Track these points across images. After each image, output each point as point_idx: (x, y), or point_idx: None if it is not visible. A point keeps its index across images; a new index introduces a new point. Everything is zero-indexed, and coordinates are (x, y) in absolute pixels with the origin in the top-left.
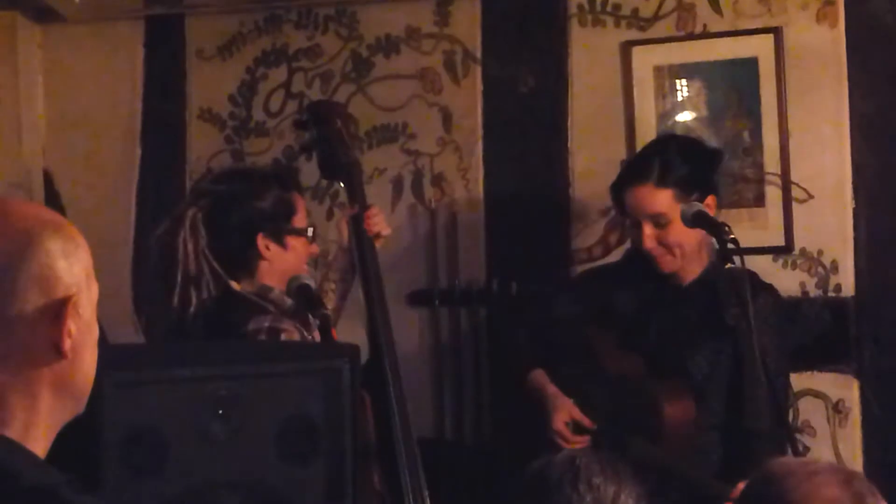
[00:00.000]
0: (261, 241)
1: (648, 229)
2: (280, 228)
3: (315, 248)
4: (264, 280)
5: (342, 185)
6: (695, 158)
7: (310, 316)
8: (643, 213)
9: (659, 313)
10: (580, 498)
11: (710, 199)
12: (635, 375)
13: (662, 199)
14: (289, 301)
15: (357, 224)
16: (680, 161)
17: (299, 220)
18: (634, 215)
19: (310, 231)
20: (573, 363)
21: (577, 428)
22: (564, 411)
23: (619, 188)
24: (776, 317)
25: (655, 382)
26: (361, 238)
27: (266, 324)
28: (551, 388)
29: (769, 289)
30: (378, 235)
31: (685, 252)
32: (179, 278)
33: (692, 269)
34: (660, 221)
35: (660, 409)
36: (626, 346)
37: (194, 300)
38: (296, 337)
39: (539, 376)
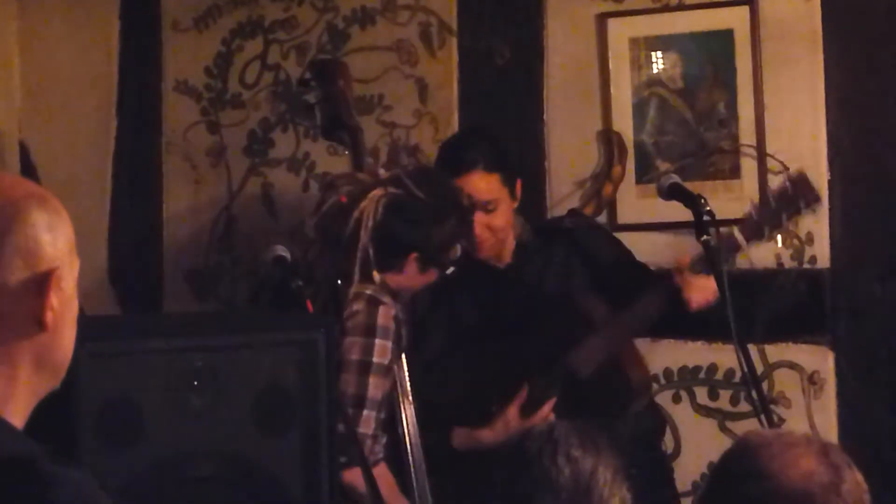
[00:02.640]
0: (410, 259)
1: (478, 217)
2: (433, 259)
3: (429, 279)
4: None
5: (345, 146)
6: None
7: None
8: (474, 198)
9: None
10: (559, 471)
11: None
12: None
13: (493, 185)
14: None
15: None
16: (498, 145)
17: (452, 254)
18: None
19: (450, 270)
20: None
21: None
22: (505, 422)
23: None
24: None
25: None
26: None
27: (370, 293)
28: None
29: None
30: None
31: (506, 235)
32: (360, 246)
33: (507, 251)
34: (488, 208)
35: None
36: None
37: (357, 272)
38: (392, 314)
39: (460, 436)
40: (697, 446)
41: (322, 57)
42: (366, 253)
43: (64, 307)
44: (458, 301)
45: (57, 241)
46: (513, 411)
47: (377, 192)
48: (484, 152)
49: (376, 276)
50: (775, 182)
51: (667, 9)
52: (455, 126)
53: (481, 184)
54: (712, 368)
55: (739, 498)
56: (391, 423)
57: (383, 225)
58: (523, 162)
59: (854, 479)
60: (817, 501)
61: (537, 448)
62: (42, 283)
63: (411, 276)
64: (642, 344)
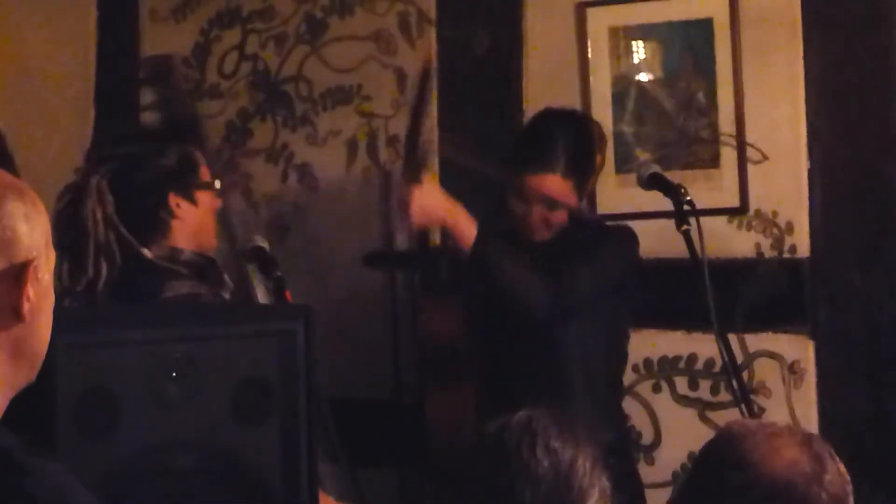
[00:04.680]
0: (172, 199)
1: (537, 218)
2: (188, 184)
3: (219, 202)
4: (176, 242)
5: (192, 142)
6: (589, 142)
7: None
8: (540, 198)
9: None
10: (538, 462)
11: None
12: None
13: (564, 188)
14: (201, 261)
15: None
16: (581, 147)
17: (204, 174)
18: (528, 197)
19: (217, 183)
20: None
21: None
22: None
23: (516, 168)
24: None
25: None
26: None
27: (184, 290)
28: None
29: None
30: None
31: (558, 227)
32: (91, 248)
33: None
34: (552, 206)
35: None
36: None
37: (105, 271)
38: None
39: None
40: (677, 436)
41: (153, 55)
42: (109, 244)
43: (40, 298)
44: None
45: (34, 231)
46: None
47: (93, 180)
48: (568, 154)
49: (147, 252)
50: (755, 171)
51: None
52: (434, 116)
53: (554, 186)
54: (692, 358)
55: (722, 488)
56: None
57: (122, 201)
58: (502, 151)
59: (836, 470)
60: (800, 491)
61: (516, 440)
62: (19, 273)
63: (193, 214)
64: None
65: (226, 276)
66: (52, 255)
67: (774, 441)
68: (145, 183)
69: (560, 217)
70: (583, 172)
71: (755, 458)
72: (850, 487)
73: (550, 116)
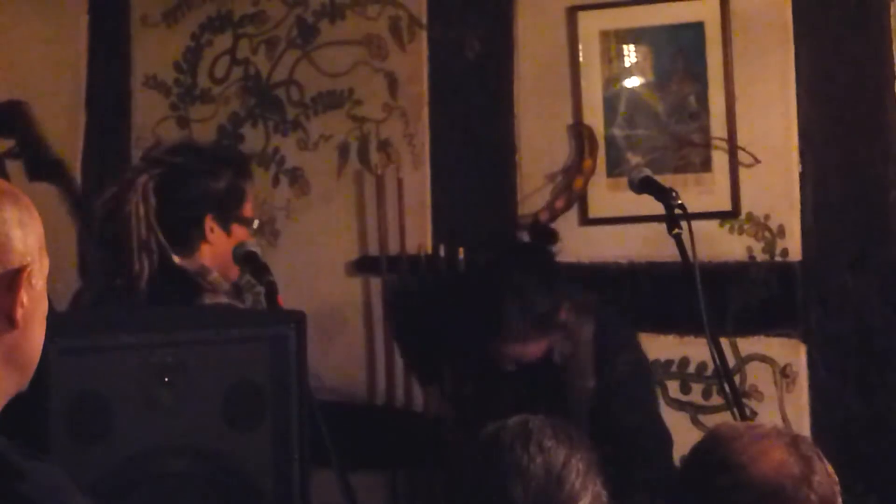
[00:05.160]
0: (208, 221)
1: (509, 363)
2: (229, 214)
3: (253, 245)
4: (203, 261)
5: (55, 183)
6: (549, 296)
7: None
8: (508, 360)
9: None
10: (531, 459)
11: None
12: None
13: (540, 342)
14: (226, 285)
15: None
16: (539, 303)
17: (248, 210)
18: (509, 361)
19: (255, 223)
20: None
21: None
22: None
23: (485, 340)
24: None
25: None
26: None
27: (225, 300)
28: None
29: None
30: None
31: None
32: (135, 244)
33: None
34: (530, 355)
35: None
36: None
37: (147, 268)
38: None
39: None
40: None
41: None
42: (149, 243)
43: (34, 305)
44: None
45: (28, 238)
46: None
47: (141, 179)
48: (529, 319)
49: (177, 259)
50: (746, 175)
51: (637, 2)
52: (425, 120)
53: (529, 350)
54: (684, 362)
55: (711, 490)
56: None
57: (163, 207)
58: (493, 155)
59: (824, 471)
60: (788, 493)
61: (510, 438)
62: (13, 279)
63: (224, 243)
64: None
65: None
66: (46, 261)
67: (762, 443)
68: (189, 197)
69: (538, 354)
70: (550, 323)
71: (743, 461)
72: (838, 488)
73: (497, 283)
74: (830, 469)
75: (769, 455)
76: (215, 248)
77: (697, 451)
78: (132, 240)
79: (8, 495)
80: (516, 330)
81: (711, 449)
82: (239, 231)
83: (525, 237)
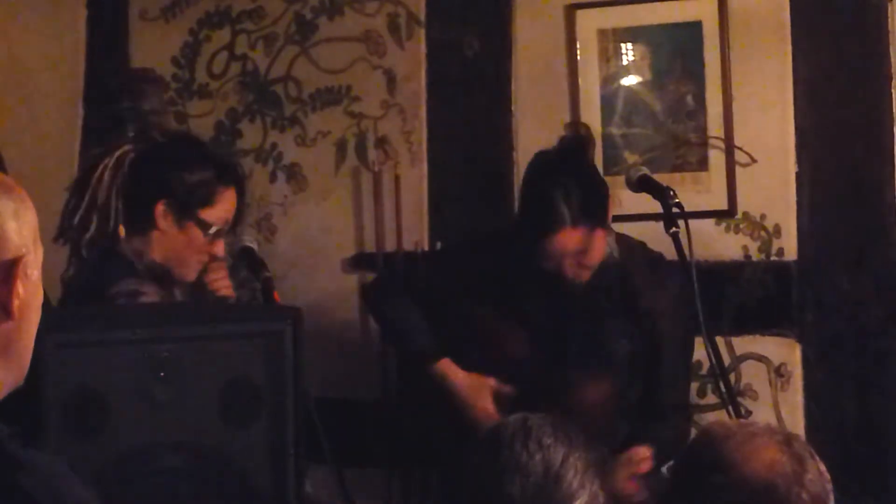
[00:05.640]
0: (160, 207)
1: (570, 265)
2: (186, 209)
3: (216, 251)
4: (153, 251)
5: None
6: (590, 177)
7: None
8: (566, 253)
9: (564, 302)
10: (529, 456)
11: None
12: (539, 359)
13: (583, 235)
14: (160, 268)
15: None
16: (583, 189)
17: (209, 215)
18: (551, 256)
19: (212, 229)
20: (468, 347)
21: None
22: (486, 391)
23: (532, 236)
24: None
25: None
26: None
27: (127, 287)
28: (461, 376)
29: (662, 259)
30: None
31: (595, 265)
32: (86, 200)
33: None
34: (581, 252)
35: (576, 390)
36: (537, 337)
37: (93, 229)
38: (150, 292)
39: (444, 367)
40: None
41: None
42: (106, 208)
43: (30, 296)
44: (522, 304)
45: (23, 228)
46: (493, 385)
47: (122, 149)
48: (572, 205)
49: (122, 231)
50: (743, 174)
51: (635, 0)
52: (423, 118)
53: (572, 240)
54: None
55: (704, 489)
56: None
57: (129, 179)
58: (491, 153)
59: (817, 470)
60: (780, 491)
61: (510, 435)
62: (9, 271)
63: (170, 235)
64: None
65: (177, 292)
66: (40, 250)
67: (754, 441)
68: (152, 177)
69: (596, 256)
70: (595, 207)
71: (736, 459)
72: (830, 486)
73: (540, 171)
74: (823, 468)
75: (761, 454)
76: (166, 240)
77: (690, 449)
78: (84, 195)
79: (8, 485)
80: (562, 213)
81: (704, 447)
82: (193, 231)
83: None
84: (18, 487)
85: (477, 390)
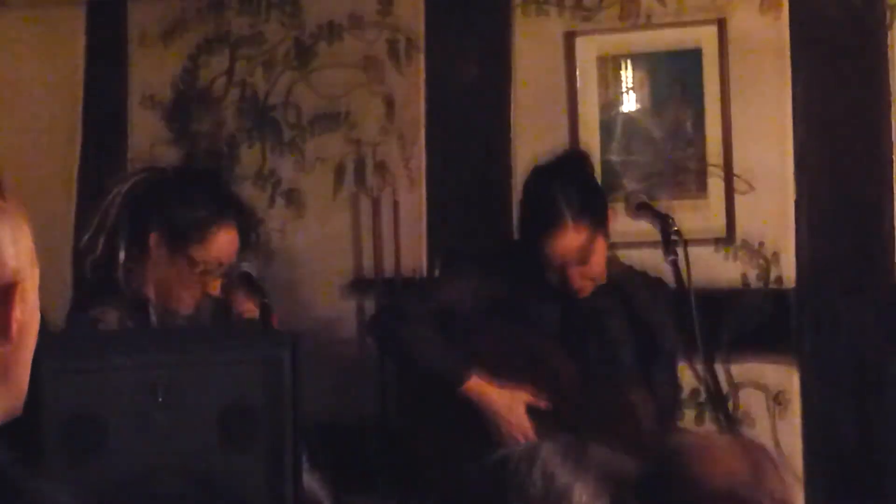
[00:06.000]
0: (154, 237)
1: (574, 274)
2: (176, 243)
3: (210, 289)
4: (150, 280)
5: None
6: (588, 178)
7: None
8: (569, 256)
9: (581, 317)
10: (532, 483)
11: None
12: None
13: (585, 236)
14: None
15: None
16: (582, 189)
17: (199, 252)
18: (555, 261)
19: (200, 266)
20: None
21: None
22: (520, 405)
23: (533, 237)
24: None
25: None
26: None
27: (92, 313)
28: (495, 392)
29: (660, 282)
30: None
31: (603, 275)
32: (94, 224)
33: None
34: (583, 258)
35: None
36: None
37: (99, 250)
38: (112, 327)
39: (476, 384)
40: None
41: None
42: (113, 233)
43: (27, 318)
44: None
45: (20, 253)
46: (527, 399)
47: (138, 176)
48: (572, 203)
49: (121, 257)
50: (742, 201)
51: (635, 27)
52: (422, 143)
53: (571, 240)
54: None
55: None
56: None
57: (131, 207)
58: (489, 178)
59: (778, 478)
60: (742, 499)
61: (517, 462)
62: (6, 295)
63: (162, 266)
64: None
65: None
66: (37, 271)
67: (713, 452)
68: (149, 206)
69: (598, 266)
70: (595, 210)
71: (695, 473)
72: (792, 494)
73: (541, 174)
74: (787, 477)
75: (720, 465)
76: (159, 271)
77: (651, 467)
78: (98, 223)
79: None
80: (563, 210)
81: (664, 461)
82: (182, 265)
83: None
84: None
85: (512, 404)
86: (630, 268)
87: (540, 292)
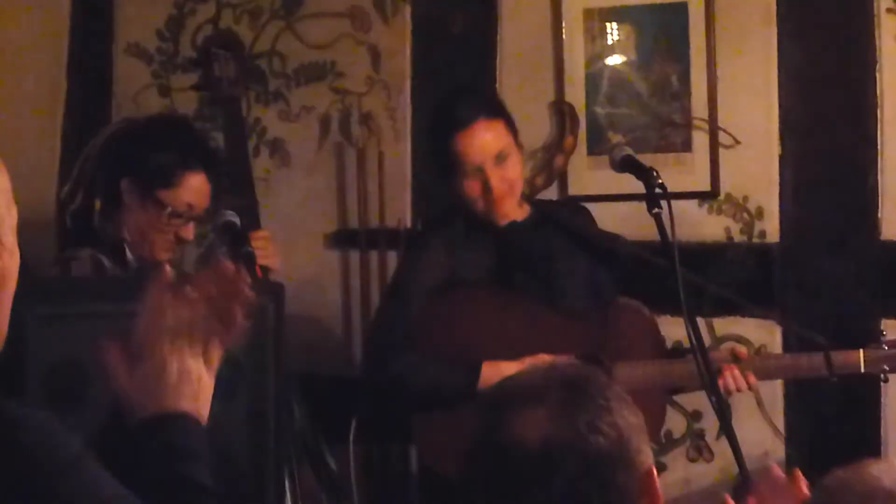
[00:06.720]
0: (125, 184)
1: (493, 171)
2: (147, 187)
3: (183, 234)
4: (126, 227)
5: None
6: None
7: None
8: (487, 153)
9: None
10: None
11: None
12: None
13: (499, 132)
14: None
15: None
16: (494, 94)
17: (168, 196)
18: (474, 160)
19: (167, 209)
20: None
21: None
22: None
23: (448, 134)
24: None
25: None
26: None
27: (68, 253)
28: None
29: (583, 208)
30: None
31: (519, 188)
32: (74, 174)
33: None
34: (500, 158)
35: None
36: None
37: (78, 200)
38: (85, 266)
39: (489, 370)
40: None
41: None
42: (90, 183)
43: (4, 260)
44: (461, 263)
45: None
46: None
47: (116, 125)
48: (482, 101)
49: (97, 205)
50: (727, 156)
51: None
52: (408, 94)
53: (487, 134)
54: None
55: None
56: None
57: (103, 155)
58: None
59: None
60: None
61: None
62: None
63: (135, 212)
64: None
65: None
66: (14, 212)
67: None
68: (122, 153)
69: (514, 169)
70: (503, 112)
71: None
72: (633, 422)
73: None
74: (626, 408)
75: (526, 420)
76: (132, 217)
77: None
78: (77, 174)
79: (8, 448)
80: (473, 105)
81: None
82: (153, 210)
83: None
84: (19, 447)
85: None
86: (550, 200)
87: (483, 245)
